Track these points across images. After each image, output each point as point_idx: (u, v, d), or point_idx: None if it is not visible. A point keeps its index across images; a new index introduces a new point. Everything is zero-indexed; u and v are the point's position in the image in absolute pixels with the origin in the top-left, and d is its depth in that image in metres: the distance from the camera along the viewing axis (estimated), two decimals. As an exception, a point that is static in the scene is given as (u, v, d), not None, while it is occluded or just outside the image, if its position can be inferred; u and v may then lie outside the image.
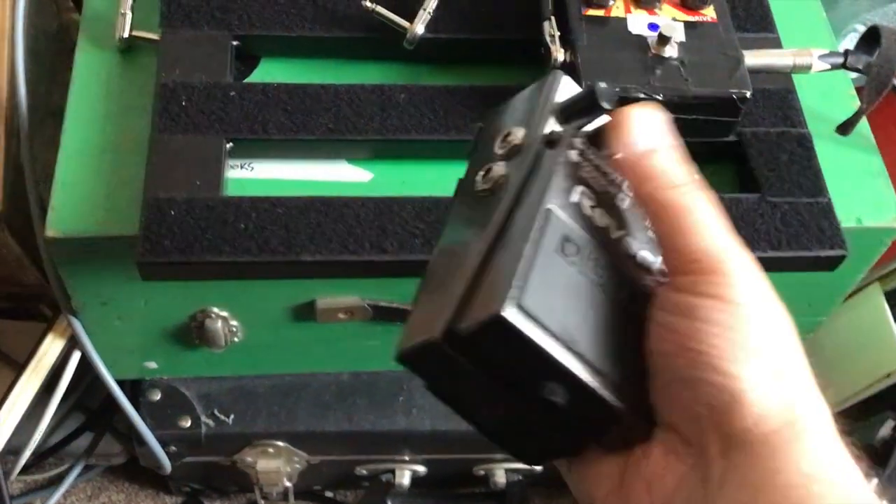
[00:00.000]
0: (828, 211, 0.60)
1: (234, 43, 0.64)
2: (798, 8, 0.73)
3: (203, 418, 0.81)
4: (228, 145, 0.59)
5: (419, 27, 0.63)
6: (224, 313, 0.69)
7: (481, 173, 0.35)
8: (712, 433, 0.31)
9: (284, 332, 0.71)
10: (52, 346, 0.72)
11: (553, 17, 0.62)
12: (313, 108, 0.61)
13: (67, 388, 0.73)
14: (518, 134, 0.35)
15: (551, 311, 0.30)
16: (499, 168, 0.35)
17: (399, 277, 0.59)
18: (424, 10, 0.63)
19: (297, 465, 0.88)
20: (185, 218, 0.55)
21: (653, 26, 0.61)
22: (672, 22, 0.61)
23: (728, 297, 0.31)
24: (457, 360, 0.31)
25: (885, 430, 0.85)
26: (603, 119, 0.35)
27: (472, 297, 0.31)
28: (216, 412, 0.81)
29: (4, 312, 0.85)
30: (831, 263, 0.60)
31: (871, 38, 0.64)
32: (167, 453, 0.82)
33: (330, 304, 0.68)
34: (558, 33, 0.61)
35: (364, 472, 0.90)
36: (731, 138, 0.63)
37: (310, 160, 0.62)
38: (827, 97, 0.68)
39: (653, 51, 0.60)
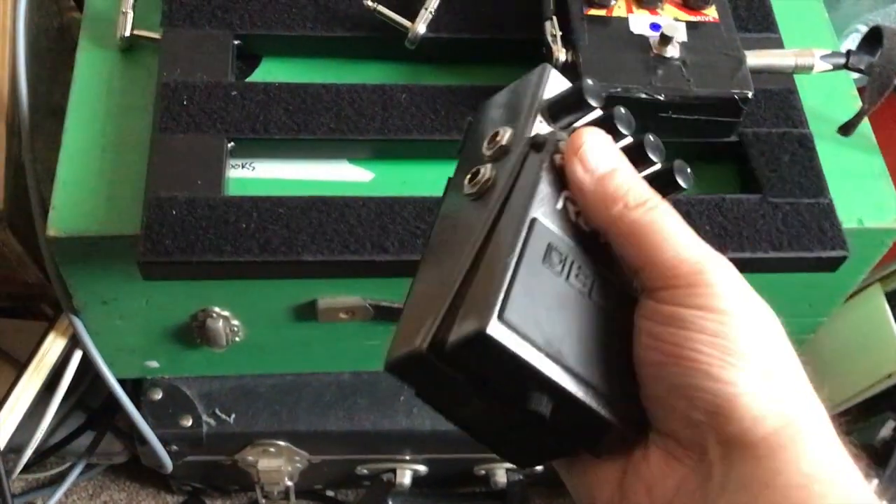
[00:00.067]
0: (829, 212, 0.60)
1: (236, 42, 0.64)
2: (800, 8, 0.73)
3: (204, 417, 0.81)
4: (230, 145, 0.59)
5: (421, 27, 0.63)
6: (225, 313, 0.69)
7: (469, 176, 0.35)
8: (711, 438, 0.31)
9: (285, 331, 0.71)
10: (53, 346, 0.72)
11: (555, 17, 0.62)
12: (315, 108, 0.61)
13: (69, 387, 0.73)
14: (505, 135, 0.35)
15: (536, 323, 0.30)
16: (486, 171, 0.35)
17: (400, 277, 0.59)
18: (426, 9, 0.63)
19: (298, 465, 0.88)
20: (187, 217, 0.55)
21: (654, 26, 0.61)
22: (674, 22, 0.61)
23: (714, 307, 0.31)
24: (443, 371, 0.31)
25: (885, 431, 0.85)
26: (592, 115, 0.35)
27: (456, 309, 0.31)
28: (217, 411, 0.81)
29: (6, 311, 0.85)
30: (832, 264, 0.60)
31: (873, 39, 0.64)
32: (168, 452, 0.82)
33: (331, 304, 0.68)
34: (560, 33, 0.61)
35: (365, 471, 0.90)
36: (733, 139, 0.63)
37: (311, 160, 0.62)
38: (829, 98, 0.68)
39: (654, 51, 0.60)
